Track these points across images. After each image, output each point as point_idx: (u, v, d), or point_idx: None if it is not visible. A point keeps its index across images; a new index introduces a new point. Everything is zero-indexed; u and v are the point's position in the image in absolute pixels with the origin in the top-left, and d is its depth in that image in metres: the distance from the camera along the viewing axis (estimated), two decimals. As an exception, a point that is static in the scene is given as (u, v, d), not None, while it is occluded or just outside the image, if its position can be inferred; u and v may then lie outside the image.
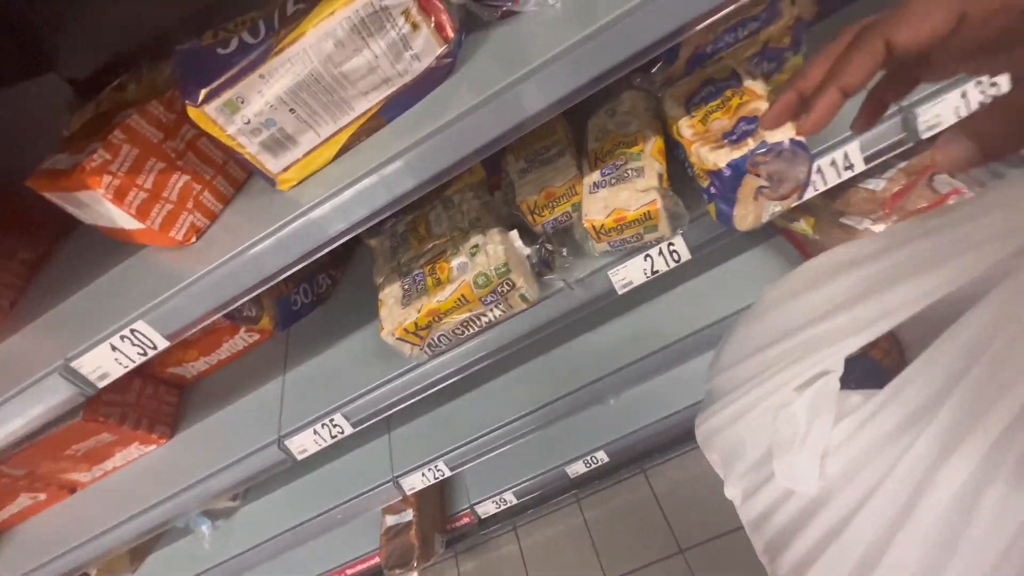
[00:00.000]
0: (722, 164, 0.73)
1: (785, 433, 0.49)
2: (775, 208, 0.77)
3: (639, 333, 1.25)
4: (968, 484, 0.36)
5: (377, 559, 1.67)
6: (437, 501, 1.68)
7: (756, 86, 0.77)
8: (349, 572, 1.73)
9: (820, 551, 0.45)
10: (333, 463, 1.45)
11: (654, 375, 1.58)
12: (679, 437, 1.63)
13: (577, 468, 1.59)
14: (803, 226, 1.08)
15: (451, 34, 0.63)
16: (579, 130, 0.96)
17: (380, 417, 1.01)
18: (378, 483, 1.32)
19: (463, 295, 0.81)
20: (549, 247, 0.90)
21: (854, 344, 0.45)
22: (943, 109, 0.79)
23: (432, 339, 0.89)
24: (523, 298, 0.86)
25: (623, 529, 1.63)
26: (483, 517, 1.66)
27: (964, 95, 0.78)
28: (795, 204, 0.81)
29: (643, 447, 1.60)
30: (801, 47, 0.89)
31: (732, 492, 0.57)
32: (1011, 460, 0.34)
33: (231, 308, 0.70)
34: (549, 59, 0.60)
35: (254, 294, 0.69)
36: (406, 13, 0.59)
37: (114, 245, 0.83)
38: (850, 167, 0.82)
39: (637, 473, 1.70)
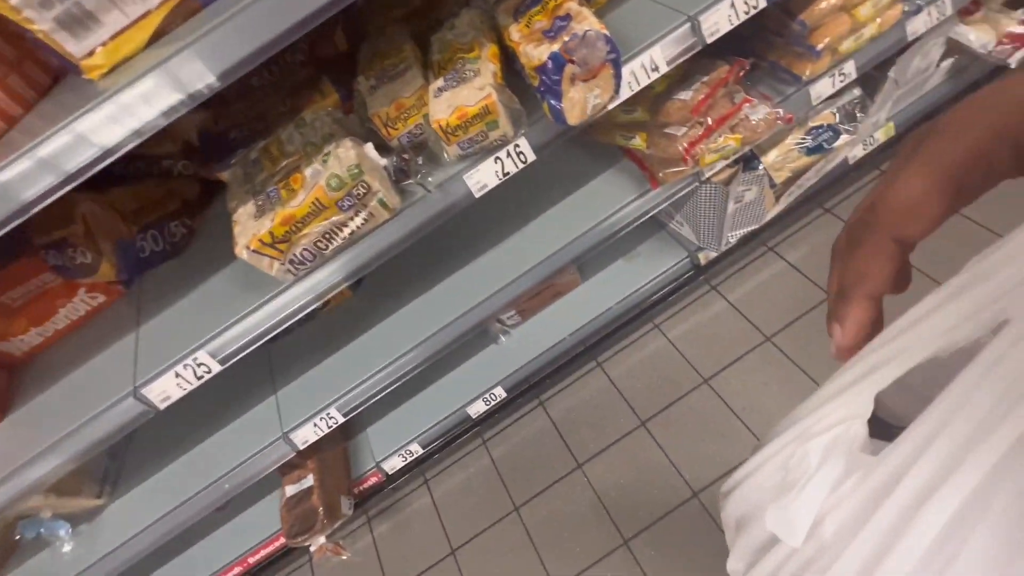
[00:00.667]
0: (544, 57, 0.82)
1: (794, 474, 0.45)
2: (596, 100, 0.88)
3: (511, 260, 1.34)
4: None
5: (281, 539, 1.59)
6: (341, 464, 1.64)
7: (568, -7, 0.88)
8: (252, 560, 1.63)
9: None
10: (215, 436, 1.36)
11: (537, 310, 1.70)
12: (567, 364, 1.76)
13: (478, 407, 1.65)
14: (638, 142, 1.23)
15: (262, -86, 0.64)
16: (424, 50, 1.00)
17: (253, 348, 0.97)
18: (267, 442, 1.26)
19: (317, 199, 0.82)
20: (406, 156, 0.94)
21: (880, 381, 0.43)
22: (718, 17, 0.96)
23: (294, 255, 0.88)
24: (383, 204, 0.89)
25: (528, 460, 1.72)
26: (391, 473, 1.66)
27: (732, 5, 0.96)
28: (613, 103, 0.93)
29: (536, 378, 1.70)
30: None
31: (733, 566, 0.51)
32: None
33: (33, 212, 0.64)
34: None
35: (60, 193, 0.64)
36: None
37: None
38: (656, 68, 0.96)
39: (535, 406, 1.80)
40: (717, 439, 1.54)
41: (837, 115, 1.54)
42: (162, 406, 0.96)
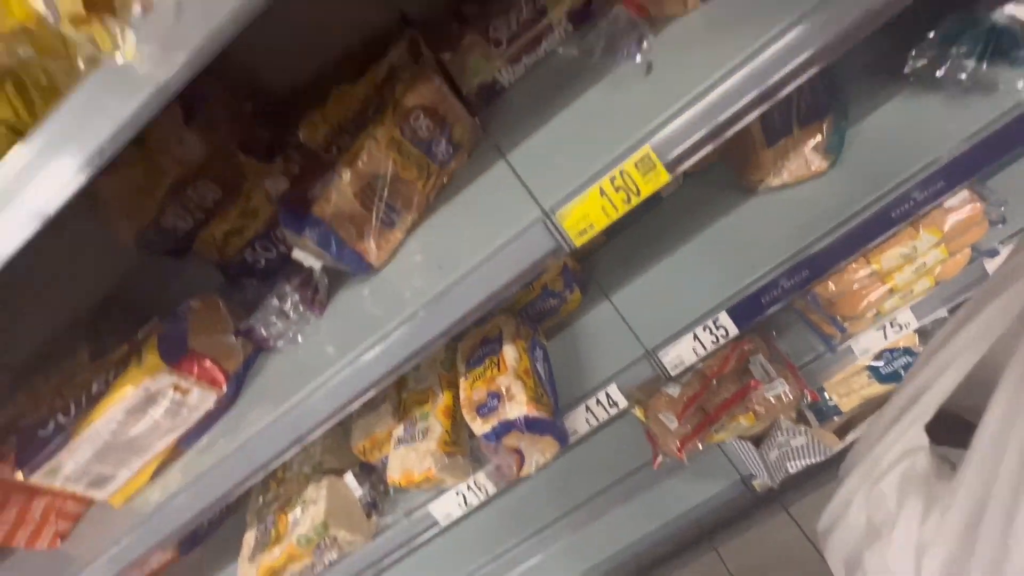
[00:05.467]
0: (478, 434, 0.85)
1: (876, 517, 0.48)
2: (540, 460, 0.87)
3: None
4: None
5: None
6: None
7: (509, 352, 0.90)
8: None
9: None
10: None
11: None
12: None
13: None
14: (638, 414, 1.16)
15: (224, 384, 0.80)
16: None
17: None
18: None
19: (291, 554, 0.93)
20: (381, 487, 1.02)
21: (932, 404, 0.47)
22: (680, 350, 0.89)
23: (286, 580, 1.01)
24: (351, 544, 0.98)
25: None
26: None
27: (696, 337, 0.88)
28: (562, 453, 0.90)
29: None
30: (574, 287, 1.02)
31: None
32: None
33: None
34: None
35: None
36: (175, 387, 0.77)
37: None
38: (615, 404, 0.92)
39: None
40: None
41: (919, 337, 1.26)
42: None
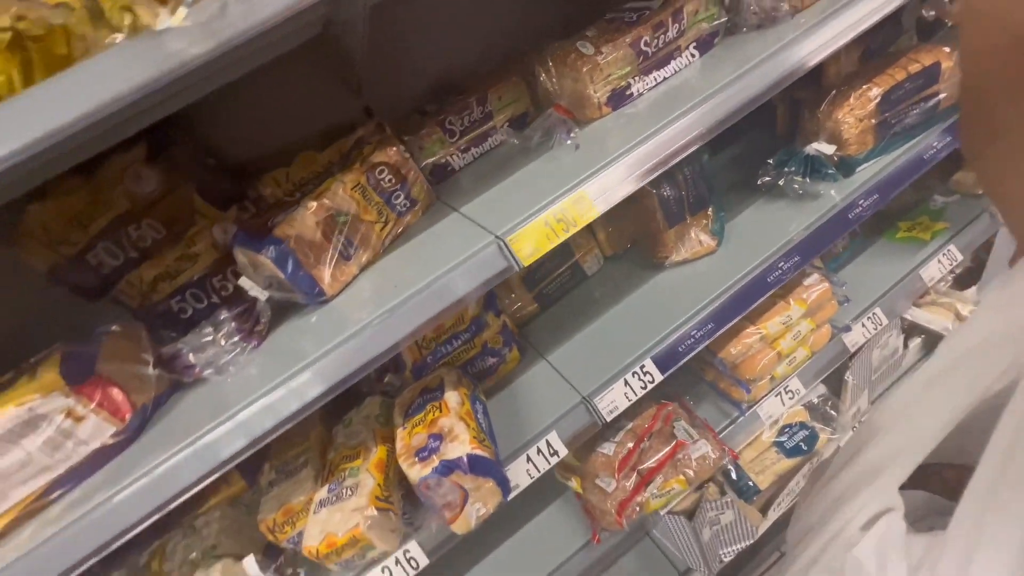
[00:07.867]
0: (416, 480, 0.79)
1: None
2: (481, 512, 0.82)
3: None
4: None
5: None
6: None
7: (452, 397, 0.90)
8: None
9: None
10: None
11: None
12: None
13: None
14: (574, 485, 1.14)
15: (127, 415, 0.71)
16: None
17: None
18: None
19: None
20: (289, 571, 0.87)
21: (908, 466, 0.46)
22: (615, 396, 0.95)
23: None
24: (243, 646, 0.79)
25: None
26: None
27: (627, 383, 0.96)
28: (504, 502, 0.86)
29: None
30: (512, 345, 1.08)
31: None
32: None
33: None
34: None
35: None
36: (68, 412, 0.66)
37: None
38: (555, 453, 0.92)
39: None
40: None
41: (809, 412, 1.43)
42: None
